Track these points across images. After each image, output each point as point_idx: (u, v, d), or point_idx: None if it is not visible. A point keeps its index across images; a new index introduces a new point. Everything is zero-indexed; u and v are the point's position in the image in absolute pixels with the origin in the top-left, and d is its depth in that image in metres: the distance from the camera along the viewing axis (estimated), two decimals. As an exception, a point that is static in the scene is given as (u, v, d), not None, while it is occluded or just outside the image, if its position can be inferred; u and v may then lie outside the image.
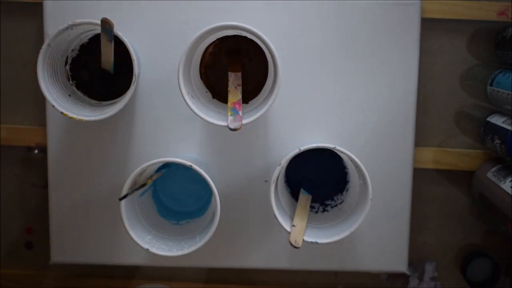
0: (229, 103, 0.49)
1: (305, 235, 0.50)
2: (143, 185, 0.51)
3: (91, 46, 0.55)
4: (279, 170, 0.49)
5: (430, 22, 0.57)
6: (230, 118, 0.47)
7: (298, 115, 0.57)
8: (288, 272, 0.62)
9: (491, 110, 0.56)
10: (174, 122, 0.57)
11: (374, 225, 0.58)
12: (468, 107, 0.59)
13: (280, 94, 0.48)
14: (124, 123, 0.57)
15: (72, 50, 0.54)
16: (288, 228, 0.50)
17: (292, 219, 0.52)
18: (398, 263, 0.59)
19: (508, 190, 0.51)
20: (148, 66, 0.56)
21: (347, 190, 0.56)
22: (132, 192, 0.50)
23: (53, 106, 0.50)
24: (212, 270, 0.62)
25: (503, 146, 0.50)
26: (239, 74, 0.51)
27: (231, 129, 0.47)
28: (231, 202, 0.58)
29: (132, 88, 0.50)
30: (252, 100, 0.54)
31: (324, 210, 0.56)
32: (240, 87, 0.50)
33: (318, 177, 0.57)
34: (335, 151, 0.50)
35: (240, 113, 0.48)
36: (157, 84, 0.56)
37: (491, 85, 0.54)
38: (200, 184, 0.58)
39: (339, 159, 0.56)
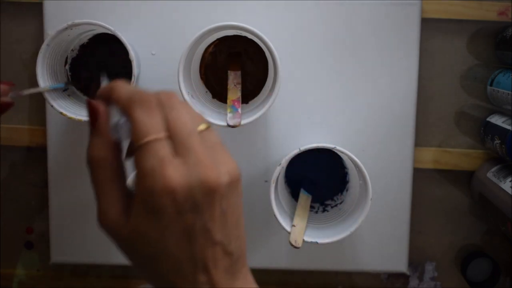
0: (228, 101, 0.49)
1: (305, 235, 0.50)
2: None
3: (91, 46, 0.55)
4: (279, 170, 0.49)
5: (430, 22, 0.57)
6: (229, 115, 0.48)
7: (298, 115, 0.57)
8: (288, 272, 0.62)
9: (491, 110, 0.56)
10: (174, 122, 0.57)
11: (374, 225, 0.58)
12: (468, 107, 0.59)
13: (280, 94, 0.48)
14: (124, 123, 0.57)
15: (72, 50, 0.54)
16: (288, 228, 0.50)
17: (292, 219, 0.52)
18: (398, 263, 0.59)
19: (508, 190, 0.51)
20: (148, 66, 0.56)
21: (347, 190, 0.56)
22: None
23: (52, 106, 0.50)
24: (212, 270, 0.62)
25: (503, 146, 0.50)
26: (239, 72, 0.51)
27: (230, 126, 0.47)
28: (231, 202, 0.58)
29: (132, 88, 0.50)
30: (252, 100, 0.54)
31: (324, 210, 0.56)
32: (240, 85, 0.50)
33: (318, 177, 0.57)
34: (335, 151, 0.50)
35: (239, 110, 0.48)
36: (157, 84, 0.56)
37: (491, 85, 0.54)
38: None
39: (339, 159, 0.56)
